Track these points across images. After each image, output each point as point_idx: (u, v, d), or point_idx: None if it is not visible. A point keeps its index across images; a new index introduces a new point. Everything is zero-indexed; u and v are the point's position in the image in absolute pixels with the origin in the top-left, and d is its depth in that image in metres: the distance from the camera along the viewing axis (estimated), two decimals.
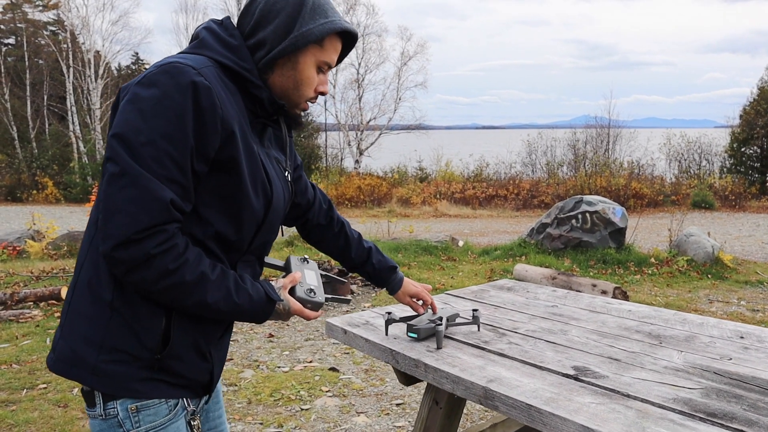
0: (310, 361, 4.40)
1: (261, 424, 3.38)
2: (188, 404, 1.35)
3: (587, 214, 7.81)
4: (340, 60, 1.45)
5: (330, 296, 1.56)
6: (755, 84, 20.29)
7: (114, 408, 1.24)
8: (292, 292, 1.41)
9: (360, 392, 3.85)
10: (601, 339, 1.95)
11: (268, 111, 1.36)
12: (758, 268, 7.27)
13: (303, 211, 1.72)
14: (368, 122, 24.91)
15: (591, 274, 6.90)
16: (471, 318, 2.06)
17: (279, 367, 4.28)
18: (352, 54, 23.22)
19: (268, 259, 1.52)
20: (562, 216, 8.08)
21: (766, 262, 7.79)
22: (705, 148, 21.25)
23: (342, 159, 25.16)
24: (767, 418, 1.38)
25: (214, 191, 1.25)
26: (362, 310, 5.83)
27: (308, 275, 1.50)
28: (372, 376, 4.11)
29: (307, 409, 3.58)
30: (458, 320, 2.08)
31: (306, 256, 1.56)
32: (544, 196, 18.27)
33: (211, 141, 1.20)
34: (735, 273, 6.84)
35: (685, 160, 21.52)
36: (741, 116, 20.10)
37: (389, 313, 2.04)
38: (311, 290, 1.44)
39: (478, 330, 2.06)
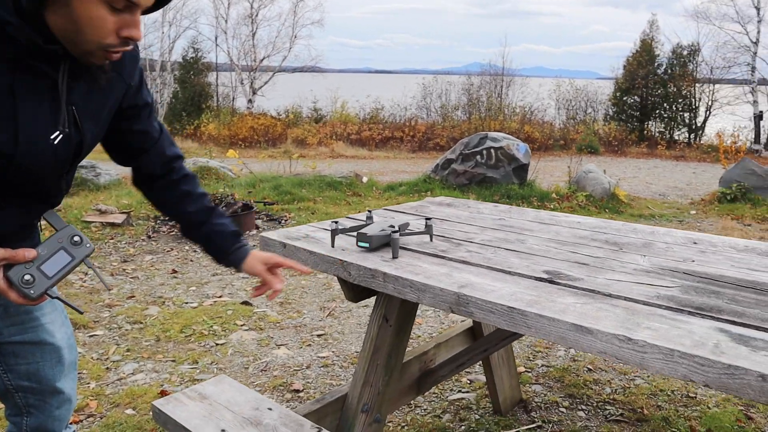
0: (220, 296, 4.11)
1: (173, 361, 3.09)
2: None
3: (492, 150, 7.88)
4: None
5: (60, 298, 1.26)
6: (638, 36, 21.35)
7: None
8: (6, 267, 1.12)
9: (277, 325, 3.64)
10: (561, 246, 1.85)
11: (33, 53, 1.07)
12: (648, 203, 7.71)
13: (133, 155, 1.45)
14: (262, 60, 23.83)
15: None
16: (424, 227, 1.88)
17: (187, 302, 3.96)
18: None
19: (49, 215, 1.23)
20: (467, 152, 8.10)
21: (654, 200, 8.27)
22: (591, 96, 22.26)
23: (234, 99, 24.03)
24: (752, 309, 1.32)
25: None
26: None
27: (55, 260, 1.17)
28: (288, 309, 3.90)
29: (222, 344, 3.33)
30: (409, 230, 1.91)
31: (83, 239, 1.21)
32: (440, 138, 18.48)
33: None
34: (629, 207, 7.21)
35: (573, 107, 22.46)
36: (624, 67, 21.12)
37: (335, 222, 1.82)
38: (30, 279, 1.12)
39: (431, 240, 1.89)
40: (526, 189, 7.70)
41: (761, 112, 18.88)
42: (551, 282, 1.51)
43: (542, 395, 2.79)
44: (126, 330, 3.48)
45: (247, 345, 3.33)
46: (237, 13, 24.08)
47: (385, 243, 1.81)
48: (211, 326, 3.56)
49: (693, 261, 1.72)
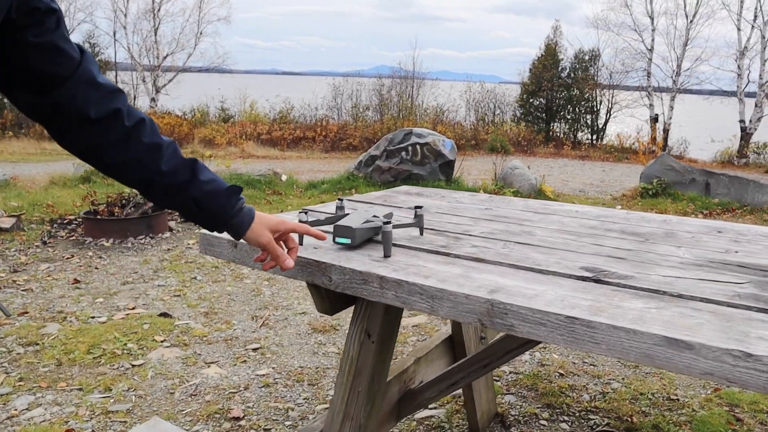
0: (133, 308, 3.55)
1: (80, 389, 2.55)
2: None
3: (417, 146, 7.62)
4: None
5: None
6: (542, 41, 21.98)
7: None
8: None
9: (204, 339, 3.15)
10: (579, 238, 1.54)
11: None
12: (574, 199, 7.72)
13: (44, 86, 0.94)
14: (165, 57, 22.55)
15: None
16: (414, 218, 1.52)
17: (93, 317, 3.37)
18: None
19: None
20: (391, 148, 7.81)
21: (577, 195, 8.32)
22: (499, 98, 22.72)
23: (136, 97, 22.60)
24: None
25: None
26: (187, 248, 5.03)
27: None
28: (215, 320, 3.42)
29: (140, 365, 2.81)
30: (392, 221, 1.54)
31: None
32: (352, 138, 18.23)
33: None
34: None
35: (482, 108, 22.82)
36: (530, 70, 21.69)
37: (305, 212, 1.42)
38: None
39: (421, 234, 1.53)
40: (453, 185, 7.51)
41: (657, 114, 19.88)
42: (598, 281, 1.19)
43: (518, 407, 2.49)
44: (18, 354, 2.88)
45: (171, 365, 2.83)
46: (138, 7, 22.65)
47: (371, 238, 1.44)
48: (125, 344, 3.02)
49: (736, 252, 1.46)
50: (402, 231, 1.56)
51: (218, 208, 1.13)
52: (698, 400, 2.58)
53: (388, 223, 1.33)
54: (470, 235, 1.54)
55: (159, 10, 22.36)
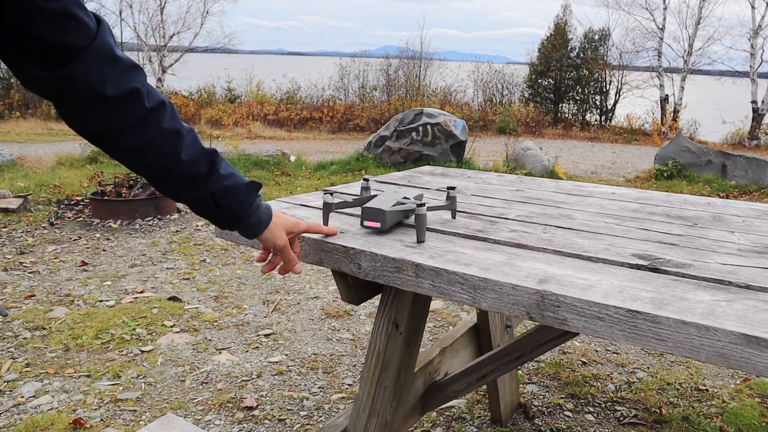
0: (142, 291, 3.47)
1: (88, 376, 2.47)
2: None
3: (428, 127, 7.48)
4: None
5: None
6: (552, 21, 21.65)
7: None
8: None
9: (215, 324, 3.07)
10: (622, 222, 1.43)
11: None
12: (587, 181, 7.58)
13: (56, 60, 0.81)
14: (171, 36, 22.30)
15: None
16: (446, 200, 1.41)
17: (101, 300, 3.29)
18: None
19: None
20: (401, 128, 7.67)
21: (589, 177, 8.18)
22: (507, 79, 22.45)
23: None
24: None
25: None
26: (196, 229, 4.94)
27: None
28: (225, 304, 3.33)
29: (149, 351, 2.73)
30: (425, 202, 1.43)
31: None
32: (359, 119, 18.09)
33: None
34: None
35: (490, 89, 22.56)
36: (539, 50, 21.39)
37: (330, 193, 1.31)
38: None
39: (453, 217, 1.42)
40: (464, 167, 7.38)
41: (667, 95, 19.60)
42: (654, 270, 1.09)
43: (541, 397, 2.40)
44: (24, 339, 2.81)
45: (181, 351, 2.75)
46: None
47: (401, 221, 1.33)
48: (134, 329, 2.94)
49: None
50: (432, 214, 1.46)
51: (237, 206, 1.03)
52: (728, 390, 2.48)
53: (422, 205, 1.23)
54: (506, 218, 1.43)
55: None
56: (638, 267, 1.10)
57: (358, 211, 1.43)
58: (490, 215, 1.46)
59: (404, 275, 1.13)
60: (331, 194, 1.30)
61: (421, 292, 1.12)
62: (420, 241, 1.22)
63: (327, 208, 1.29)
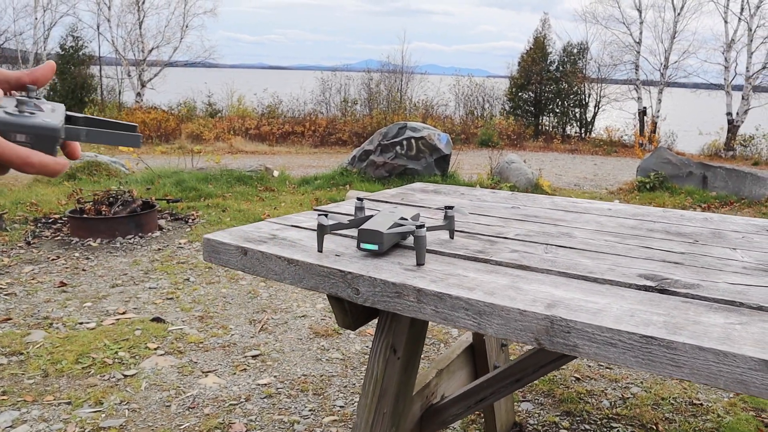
0: (123, 312, 3.38)
1: (68, 403, 2.38)
2: None
3: (412, 141, 7.48)
4: None
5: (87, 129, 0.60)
6: (531, 34, 21.90)
7: None
8: None
9: (200, 346, 2.99)
10: (623, 240, 1.40)
11: None
12: (571, 193, 7.62)
13: None
14: (150, 50, 22.15)
15: None
16: (443, 220, 1.37)
17: (82, 323, 3.20)
18: None
19: None
20: (386, 142, 7.65)
21: (572, 189, 8.22)
22: (488, 92, 22.61)
23: (121, 92, 22.19)
24: None
25: None
26: (179, 247, 4.84)
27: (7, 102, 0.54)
28: (211, 324, 3.26)
29: (132, 375, 2.64)
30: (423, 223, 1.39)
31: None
32: (341, 133, 18.08)
33: None
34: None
35: (471, 102, 22.70)
36: (519, 64, 21.59)
37: (325, 214, 1.27)
38: (24, 105, 0.53)
39: (451, 237, 1.39)
40: (449, 181, 7.37)
41: (645, 107, 19.87)
42: (663, 291, 1.06)
43: (536, 415, 2.37)
44: (0, 365, 2.70)
45: (165, 374, 2.67)
46: (121, 0, 22.24)
47: (398, 243, 1.29)
48: (116, 352, 2.85)
49: None
50: (429, 234, 1.42)
51: None
52: (722, 404, 2.46)
53: (422, 226, 1.19)
54: (505, 237, 1.40)
55: (143, 2, 21.95)
56: (646, 288, 1.07)
57: (353, 232, 1.39)
58: (488, 234, 1.43)
59: (405, 300, 1.09)
60: (326, 215, 1.26)
61: (423, 319, 1.07)
62: (420, 264, 1.18)
63: (322, 230, 1.24)
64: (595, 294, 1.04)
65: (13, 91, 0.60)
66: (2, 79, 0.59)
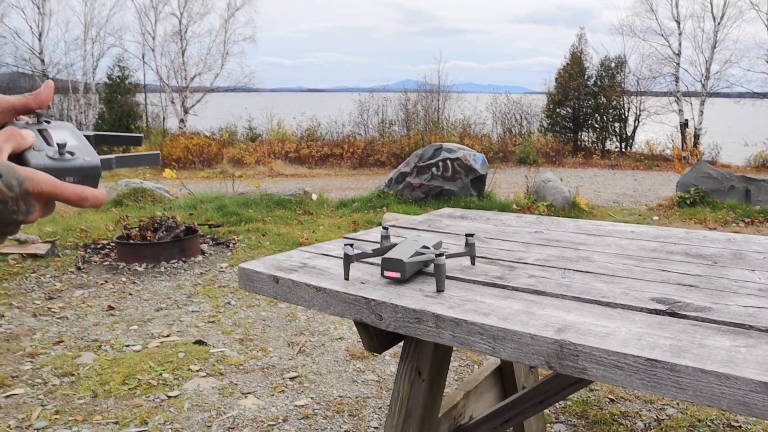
0: (168, 335, 3.52)
1: (116, 423, 2.50)
2: None
3: (448, 162, 7.54)
4: None
5: (119, 156, 0.67)
6: (568, 50, 21.78)
7: None
8: (22, 160, 0.59)
9: (240, 368, 3.09)
10: (641, 263, 1.44)
11: None
12: (609, 210, 7.55)
13: None
14: (193, 77, 22.87)
15: None
16: (464, 247, 1.44)
17: (128, 345, 3.34)
18: (174, 3, 21.15)
19: None
20: (422, 164, 7.73)
21: (611, 206, 8.14)
22: (525, 109, 22.52)
23: (165, 118, 22.95)
24: None
25: None
26: (220, 271, 5.00)
27: (55, 135, 0.62)
28: (250, 347, 3.36)
29: (176, 396, 2.75)
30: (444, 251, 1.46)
31: (45, 118, 0.62)
32: (380, 154, 18.23)
33: None
34: (591, 216, 7.00)
35: (509, 120, 22.64)
36: (556, 79, 21.48)
37: (351, 244, 1.35)
38: (63, 149, 0.60)
39: (473, 264, 1.45)
40: (485, 201, 7.39)
41: (686, 120, 19.50)
42: (673, 315, 1.10)
43: None
44: (53, 386, 2.85)
45: (207, 396, 2.77)
46: (165, 30, 23.02)
47: (421, 270, 1.36)
48: (160, 374, 2.97)
49: None
50: (452, 260, 1.48)
51: None
52: (761, 426, 2.43)
53: (441, 255, 1.25)
54: (525, 263, 1.45)
55: (186, 31, 22.72)
56: (657, 312, 1.11)
57: (378, 260, 1.46)
58: (509, 260, 1.48)
59: (425, 326, 1.15)
60: (352, 245, 1.34)
61: (442, 343, 1.14)
62: (440, 290, 1.24)
63: (348, 260, 1.32)
64: (606, 318, 1.08)
65: (21, 116, 0.62)
66: (8, 107, 0.60)
